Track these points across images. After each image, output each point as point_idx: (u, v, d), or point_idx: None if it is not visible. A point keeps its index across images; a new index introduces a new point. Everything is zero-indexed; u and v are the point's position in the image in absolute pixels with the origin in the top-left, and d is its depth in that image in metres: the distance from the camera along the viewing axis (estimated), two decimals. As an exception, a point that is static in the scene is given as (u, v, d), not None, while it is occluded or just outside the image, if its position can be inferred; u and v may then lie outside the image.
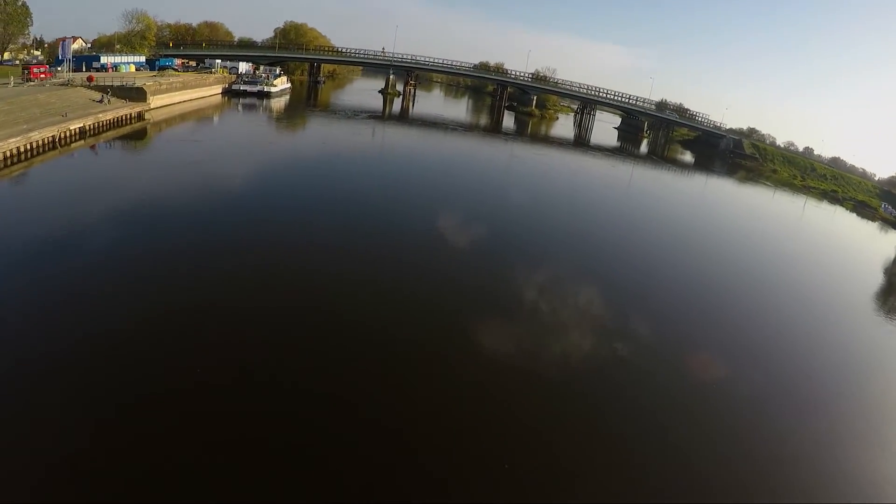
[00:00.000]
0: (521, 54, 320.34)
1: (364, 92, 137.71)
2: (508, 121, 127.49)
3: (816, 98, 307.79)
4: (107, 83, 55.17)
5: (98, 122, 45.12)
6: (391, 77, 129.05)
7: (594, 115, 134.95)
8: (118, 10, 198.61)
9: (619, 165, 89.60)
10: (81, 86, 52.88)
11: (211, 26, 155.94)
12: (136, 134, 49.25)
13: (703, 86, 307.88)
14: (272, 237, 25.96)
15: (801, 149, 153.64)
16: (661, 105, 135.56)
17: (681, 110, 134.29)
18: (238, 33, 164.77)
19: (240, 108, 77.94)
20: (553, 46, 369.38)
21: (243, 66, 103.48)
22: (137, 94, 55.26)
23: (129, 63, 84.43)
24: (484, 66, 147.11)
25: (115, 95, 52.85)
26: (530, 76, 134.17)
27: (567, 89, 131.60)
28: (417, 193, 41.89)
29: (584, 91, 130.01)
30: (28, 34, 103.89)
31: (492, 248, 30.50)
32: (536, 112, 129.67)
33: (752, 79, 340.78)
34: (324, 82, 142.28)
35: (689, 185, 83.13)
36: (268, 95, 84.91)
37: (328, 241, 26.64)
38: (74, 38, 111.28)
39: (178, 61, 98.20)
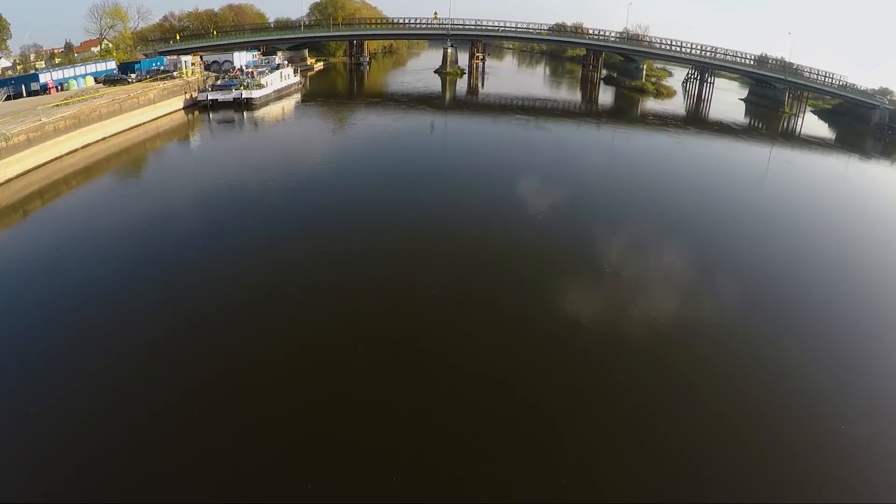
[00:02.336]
0: (599, 12, 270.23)
1: (420, 72, 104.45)
2: (605, 96, 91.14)
3: None
4: None
5: None
6: (449, 50, 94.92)
7: (713, 84, 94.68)
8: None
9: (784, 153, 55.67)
10: None
11: (236, 10, 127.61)
12: None
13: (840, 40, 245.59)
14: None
15: None
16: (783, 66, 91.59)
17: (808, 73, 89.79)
18: (272, 14, 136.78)
19: (200, 134, 49.03)
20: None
21: (241, 59, 73.00)
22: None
23: (84, 75, 56.96)
24: (560, 28, 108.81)
25: None
26: (616, 36, 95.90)
27: (680, 53, 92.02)
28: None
29: (698, 53, 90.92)
30: (6, 48, 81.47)
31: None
32: (649, 87, 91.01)
33: None
34: (369, 63, 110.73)
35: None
36: (249, 104, 55.02)
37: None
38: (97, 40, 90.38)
39: (189, 58, 69.70)
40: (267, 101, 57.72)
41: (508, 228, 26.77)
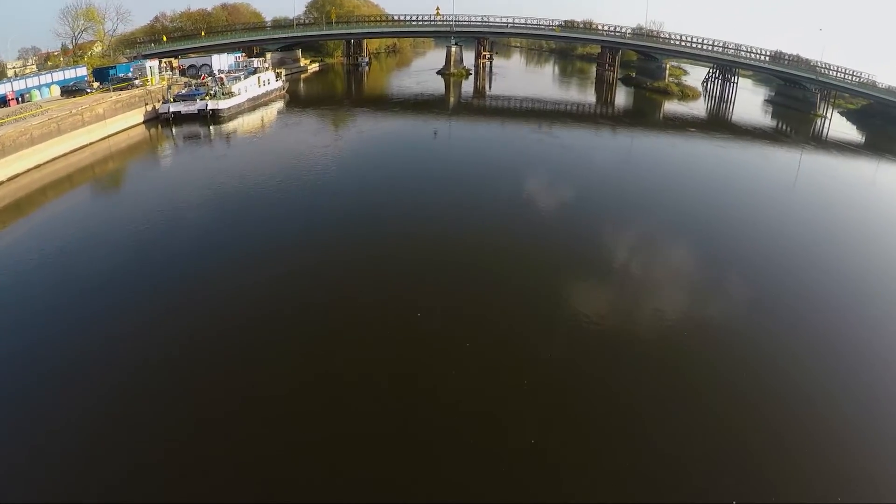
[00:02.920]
0: (610, 8, 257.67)
1: (424, 72, 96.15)
2: (623, 98, 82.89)
3: None
4: None
5: None
6: (453, 49, 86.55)
7: (736, 83, 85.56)
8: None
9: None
10: None
11: (230, 9, 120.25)
12: None
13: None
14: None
15: None
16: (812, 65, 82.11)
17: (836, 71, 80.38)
18: (269, 14, 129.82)
19: (155, 156, 41.42)
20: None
21: (221, 62, 65.06)
22: None
23: (50, 84, 49.29)
24: (570, 25, 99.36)
25: None
26: (632, 32, 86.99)
27: (707, 51, 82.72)
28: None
29: (722, 51, 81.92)
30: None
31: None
32: (674, 88, 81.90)
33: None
34: (368, 64, 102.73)
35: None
36: (216, 117, 46.73)
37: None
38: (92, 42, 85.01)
39: (155, 63, 61.66)
40: (239, 111, 49.60)
41: (524, 252, 23.38)
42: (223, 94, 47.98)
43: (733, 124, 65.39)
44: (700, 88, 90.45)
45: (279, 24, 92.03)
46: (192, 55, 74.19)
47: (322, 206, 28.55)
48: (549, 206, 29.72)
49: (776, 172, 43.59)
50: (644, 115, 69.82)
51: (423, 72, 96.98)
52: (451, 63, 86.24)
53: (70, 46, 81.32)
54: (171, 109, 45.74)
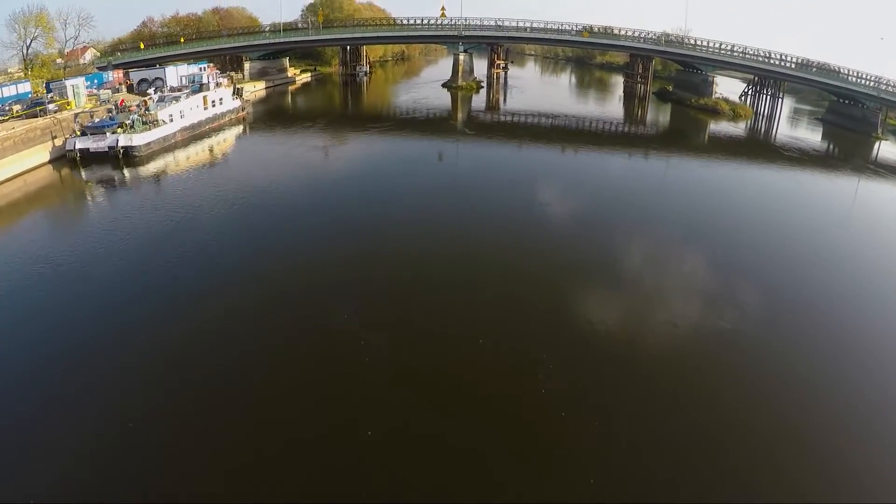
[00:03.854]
0: (633, 12, 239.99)
1: (431, 84, 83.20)
2: (657, 115, 70.14)
3: None
4: None
5: None
6: (461, 58, 73.45)
7: (781, 99, 71.62)
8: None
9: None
10: None
11: (223, 14, 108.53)
12: None
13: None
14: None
15: None
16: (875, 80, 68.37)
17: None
18: (267, 18, 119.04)
19: (49, 215, 28.68)
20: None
21: (178, 74, 52.15)
22: None
23: None
24: (589, 31, 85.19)
25: None
26: (665, 38, 73.52)
27: (755, 61, 68.63)
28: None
29: (776, 62, 68.37)
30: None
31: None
32: (724, 107, 67.49)
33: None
34: (368, 75, 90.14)
35: None
36: (128, 156, 33.69)
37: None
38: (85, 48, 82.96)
39: (80, 80, 49.31)
40: (164, 145, 36.71)
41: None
42: (143, 123, 35.00)
43: (780, 147, 53.62)
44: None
45: (260, 30, 79.61)
46: (140, 67, 61.82)
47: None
48: (584, 259, 23.13)
49: (827, 204, 36.71)
50: (686, 137, 57.30)
51: (430, 84, 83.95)
52: (459, 74, 73.22)
53: (32, 56, 70.28)
54: (77, 146, 33.00)
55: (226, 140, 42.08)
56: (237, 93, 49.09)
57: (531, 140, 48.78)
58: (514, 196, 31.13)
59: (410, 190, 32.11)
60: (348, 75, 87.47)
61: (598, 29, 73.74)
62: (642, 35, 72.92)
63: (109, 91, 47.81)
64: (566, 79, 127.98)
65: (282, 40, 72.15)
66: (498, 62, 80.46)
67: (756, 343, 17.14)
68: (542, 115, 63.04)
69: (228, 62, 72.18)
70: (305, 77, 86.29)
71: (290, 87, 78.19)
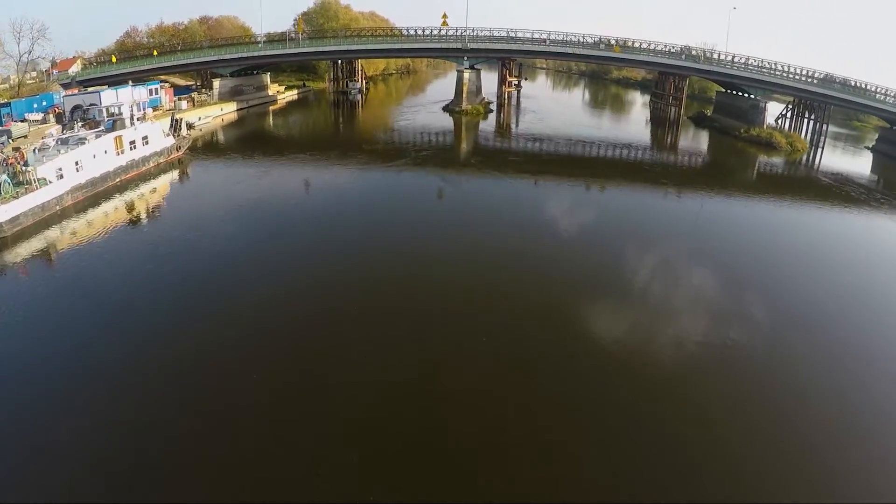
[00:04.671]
0: (655, 25, 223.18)
1: (435, 105, 72.22)
2: (695, 143, 60.08)
3: None
4: None
5: None
6: (467, 75, 62.38)
7: (826, 124, 60.44)
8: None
9: None
10: None
11: (211, 23, 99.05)
12: None
13: None
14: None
15: None
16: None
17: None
18: (262, 27, 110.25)
19: None
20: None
21: (122, 98, 40.48)
22: None
23: None
24: (602, 43, 73.69)
25: None
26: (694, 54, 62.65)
27: (806, 83, 57.07)
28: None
29: (805, 79, 57.39)
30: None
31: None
32: (780, 139, 54.54)
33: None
34: (363, 92, 79.81)
35: None
36: None
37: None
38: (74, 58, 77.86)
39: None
40: (45, 215, 25.19)
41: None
42: (14, 184, 23.98)
43: (834, 183, 43.85)
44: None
45: (235, 42, 69.12)
46: (105, 84, 51.47)
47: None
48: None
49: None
50: (733, 173, 46.59)
51: (433, 104, 72.73)
52: (464, 95, 62.13)
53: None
54: None
55: (146, 196, 30.58)
56: (175, 127, 38.02)
57: (546, 171, 39.90)
58: (531, 248, 24.29)
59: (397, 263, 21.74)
60: (339, 93, 77.07)
61: (622, 42, 62.72)
62: (674, 49, 61.92)
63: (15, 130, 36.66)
64: (581, 95, 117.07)
65: (256, 54, 61.70)
66: (509, 79, 69.79)
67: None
68: (559, 140, 52.70)
69: (205, 79, 61.80)
70: (291, 94, 75.73)
71: (271, 108, 67.80)
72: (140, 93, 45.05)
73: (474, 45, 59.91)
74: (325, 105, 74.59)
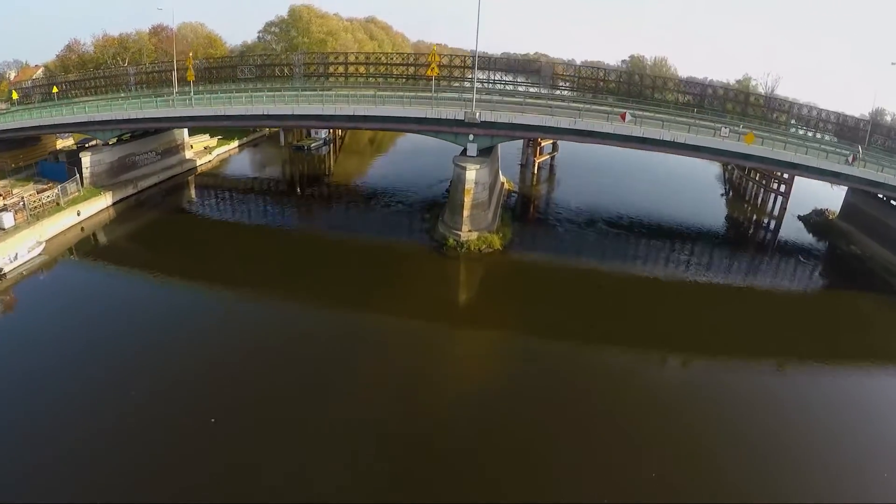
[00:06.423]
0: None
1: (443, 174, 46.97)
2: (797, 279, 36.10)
3: None
4: None
5: None
6: (469, 174, 32.39)
7: None
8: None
9: None
10: None
11: (167, 34, 76.70)
12: None
13: None
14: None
15: None
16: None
17: None
18: (236, 38, 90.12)
19: None
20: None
21: None
22: None
23: None
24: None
25: None
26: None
27: None
28: None
29: None
30: None
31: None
32: None
33: None
34: (331, 144, 57.18)
35: None
36: None
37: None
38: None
39: None
40: None
41: None
42: None
43: None
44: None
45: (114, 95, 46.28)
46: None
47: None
48: None
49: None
50: None
51: (443, 170, 47.06)
52: (465, 210, 33.40)
53: None
54: None
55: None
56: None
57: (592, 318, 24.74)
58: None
59: None
60: (291, 146, 54.20)
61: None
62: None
63: None
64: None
65: (138, 117, 38.31)
66: (541, 145, 46.23)
67: None
68: (603, 233, 32.84)
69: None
70: (229, 147, 52.70)
71: (191, 177, 45.35)
72: None
73: (486, 119, 34.85)
74: (280, 164, 51.87)
